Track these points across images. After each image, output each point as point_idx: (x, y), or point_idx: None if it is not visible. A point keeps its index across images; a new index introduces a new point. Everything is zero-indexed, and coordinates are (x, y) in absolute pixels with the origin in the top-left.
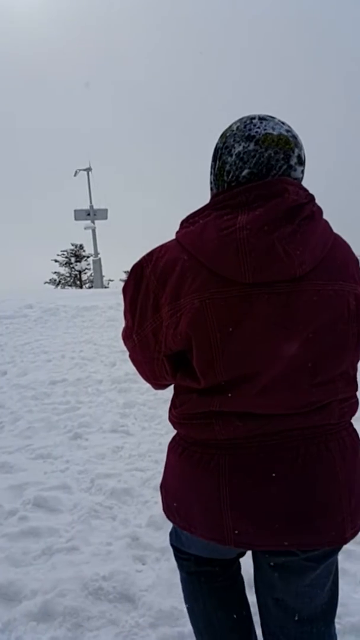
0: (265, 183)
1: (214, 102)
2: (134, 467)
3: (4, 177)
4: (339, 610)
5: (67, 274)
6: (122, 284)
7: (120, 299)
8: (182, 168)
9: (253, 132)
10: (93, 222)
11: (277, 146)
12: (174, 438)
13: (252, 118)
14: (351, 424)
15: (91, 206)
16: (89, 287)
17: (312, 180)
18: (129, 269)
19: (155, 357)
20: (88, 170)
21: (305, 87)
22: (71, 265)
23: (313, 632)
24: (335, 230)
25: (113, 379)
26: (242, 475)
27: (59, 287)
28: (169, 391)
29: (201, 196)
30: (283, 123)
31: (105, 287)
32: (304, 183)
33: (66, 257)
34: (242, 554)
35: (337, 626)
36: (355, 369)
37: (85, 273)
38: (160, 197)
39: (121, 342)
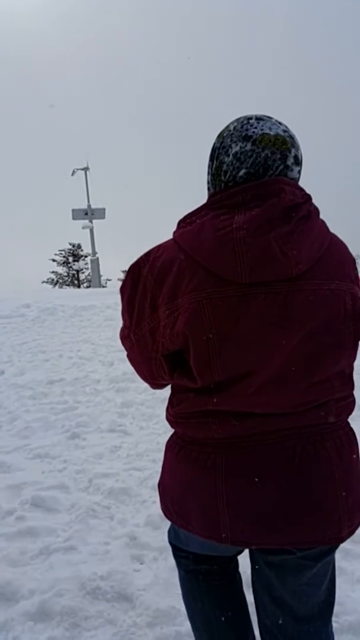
0: (261, 183)
1: (213, 102)
2: (132, 466)
3: (4, 177)
4: (336, 608)
5: (65, 274)
6: (120, 283)
7: (118, 299)
8: (181, 168)
9: (250, 132)
10: (91, 222)
11: (274, 146)
12: (171, 437)
13: (249, 118)
14: (348, 423)
15: (89, 205)
16: (87, 287)
17: (310, 180)
18: (126, 268)
19: (153, 356)
20: (86, 169)
21: (306, 86)
22: (69, 265)
23: (310, 631)
24: (332, 230)
25: (111, 378)
26: (239, 474)
27: (56, 286)
28: (167, 390)
29: (199, 196)
30: (280, 123)
31: (103, 287)
32: (301, 183)
33: (64, 257)
34: (240, 552)
35: (334, 625)
36: (352, 368)
37: (83, 272)
38: (159, 197)
39: (119, 341)
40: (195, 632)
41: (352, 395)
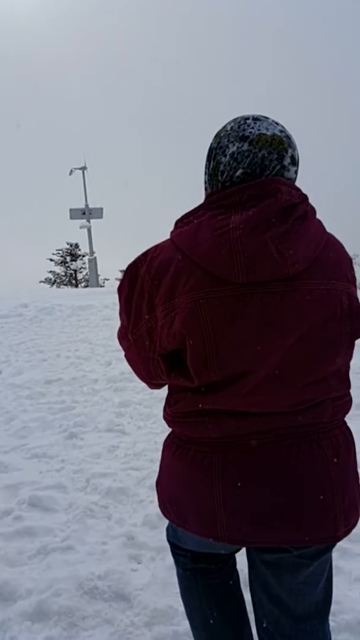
0: (258, 183)
1: (213, 102)
2: (130, 466)
3: (4, 177)
4: (333, 607)
5: (63, 273)
6: (118, 283)
7: (115, 298)
8: (180, 167)
9: (247, 132)
10: (88, 221)
11: (271, 146)
12: (168, 436)
13: (246, 118)
14: (344, 422)
15: (86, 205)
16: (85, 286)
17: (307, 180)
18: (124, 268)
19: (151, 356)
20: (83, 169)
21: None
22: (66, 264)
23: (307, 630)
24: (330, 230)
25: (108, 378)
26: (235, 473)
27: (54, 286)
28: (165, 390)
29: (197, 196)
30: (277, 123)
31: (101, 286)
32: (299, 182)
33: (61, 256)
34: (238, 550)
35: (331, 624)
36: (348, 367)
37: (80, 272)
38: (157, 197)
39: (116, 341)
40: (193, 631)
41: (349, 394)
